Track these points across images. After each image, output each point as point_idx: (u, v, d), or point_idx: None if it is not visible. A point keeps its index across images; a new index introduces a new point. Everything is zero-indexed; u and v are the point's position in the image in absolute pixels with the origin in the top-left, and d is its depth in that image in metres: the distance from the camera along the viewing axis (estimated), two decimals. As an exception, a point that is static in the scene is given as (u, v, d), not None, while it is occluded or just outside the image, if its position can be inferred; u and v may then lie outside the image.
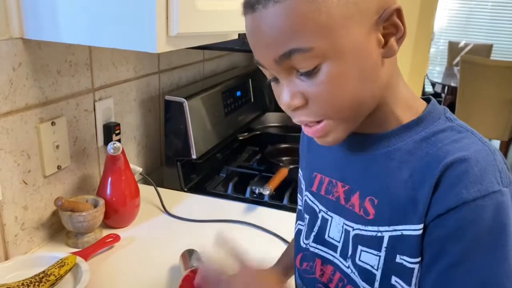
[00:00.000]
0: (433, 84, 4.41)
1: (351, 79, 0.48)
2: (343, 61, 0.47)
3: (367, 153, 0.55)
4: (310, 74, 0.48)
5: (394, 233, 0.51)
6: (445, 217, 0.46)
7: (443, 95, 4.25)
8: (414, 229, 0.49)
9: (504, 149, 3.55)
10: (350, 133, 0.54)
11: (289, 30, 0.46)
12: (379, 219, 0.52)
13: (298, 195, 0.72)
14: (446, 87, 4.13)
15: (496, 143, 3.68)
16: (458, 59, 4.17)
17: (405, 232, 0.50)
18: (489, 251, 0.46)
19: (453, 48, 5.07)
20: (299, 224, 0.69)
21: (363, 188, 0.55)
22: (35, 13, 0.78)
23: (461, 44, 5.06)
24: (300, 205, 0.70)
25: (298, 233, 0.68)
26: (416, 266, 0.49)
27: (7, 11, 0.79)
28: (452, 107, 3.66)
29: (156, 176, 1.30)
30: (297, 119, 0.52)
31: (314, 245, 0.62)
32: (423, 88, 4.14)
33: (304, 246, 0.64)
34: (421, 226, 0.48)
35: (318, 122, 0.51)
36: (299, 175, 0.71)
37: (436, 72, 4.83)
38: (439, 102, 0.57)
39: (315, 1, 0.45)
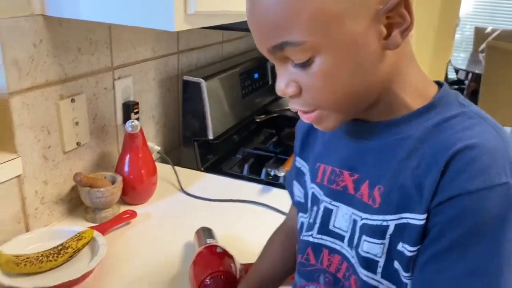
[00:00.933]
0: (457, 71, 4.31)
1: (344, 72, 0.47)
2: (337, 54, 0.46)
3: (377, 141, 0.53)
4: (304, 65, 0.47)
5: (399, 221, 0.50)
6: (446, 204, 0.45)
7: (466, 82, 4.16)
8: (417, 219, 0.48)
9: (528, 138, 3.46)
10: (345, 121, 0.53)
11: (282, 22, 0.45)
12: (386, 208, 0.51)
13: (297, 186, 0.68)
14: (470, 74, 4.04)
15: (520, 132, 3.60)
16: (484, 45, 4.06)
17: (410, 221, 0.49)
18: (487, 242, 0.44)
19: (480, 34, 4.93)
20: (301, 216, 0.66)
21: (373, 177, 0.53)
22: (55, -10, 0.79)
23: (488, 30, 4.91)
24: (298, 197, 0.68)
25: (301, 226, 0.65)
26: (415, 255, 0.49)
27: (28, -13, 0.80)
28: (475, 94, 3.58)
29: (174, 155, 1.32)
30: (291, 106, 0.52)
31: (319, 236, 0.60)
32: (446, 74, 4.04)
33: (306, 238, 0.62)
34: (425, 216, 0.47)
35: (312, 110, 0.51)
36: (297, 165, 0.68)
37: (461, 58, 4.72)
38: (462, 89, 0.54)
39: None
